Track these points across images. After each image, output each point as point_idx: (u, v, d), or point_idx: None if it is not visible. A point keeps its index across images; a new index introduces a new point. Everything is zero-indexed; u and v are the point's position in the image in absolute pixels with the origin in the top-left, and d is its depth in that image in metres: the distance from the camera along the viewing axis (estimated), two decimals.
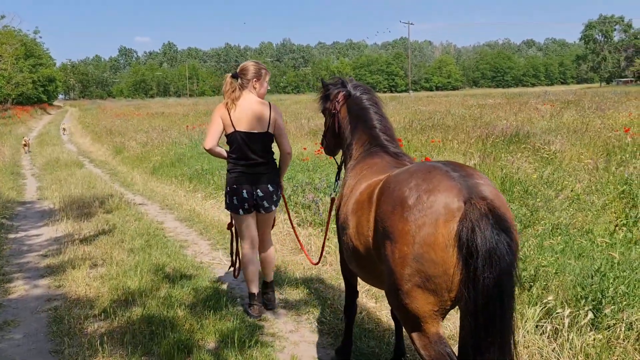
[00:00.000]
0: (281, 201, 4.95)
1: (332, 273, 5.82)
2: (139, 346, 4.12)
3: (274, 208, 4.73)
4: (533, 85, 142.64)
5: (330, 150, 4.16)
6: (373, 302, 5.01)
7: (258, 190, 4.59)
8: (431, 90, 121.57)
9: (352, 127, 3.69)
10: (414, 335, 2.52)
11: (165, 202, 10.46)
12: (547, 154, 11.32)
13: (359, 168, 3.41)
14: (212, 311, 4.74)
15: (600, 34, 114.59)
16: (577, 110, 22.40)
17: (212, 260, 6.56)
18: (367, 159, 3.43)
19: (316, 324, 4.61)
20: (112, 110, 48.05)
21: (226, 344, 4.12)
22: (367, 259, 2.90)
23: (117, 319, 4.66)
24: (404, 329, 3.61)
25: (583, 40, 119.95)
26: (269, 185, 4.61)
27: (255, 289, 4.79)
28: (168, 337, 4.20)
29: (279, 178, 4.76)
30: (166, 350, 3.99)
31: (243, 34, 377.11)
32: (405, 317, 2.53)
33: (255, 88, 4.65)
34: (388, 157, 3.38)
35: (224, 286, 5.59)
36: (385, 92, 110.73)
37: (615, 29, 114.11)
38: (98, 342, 4.17)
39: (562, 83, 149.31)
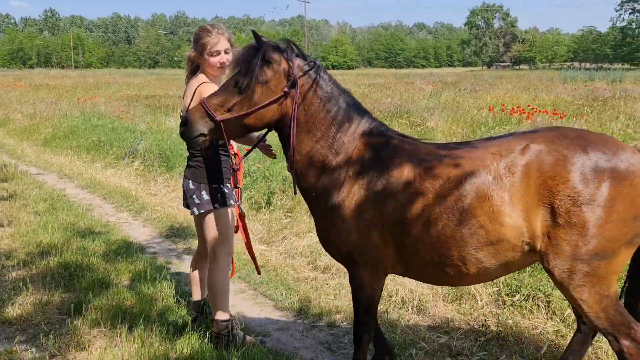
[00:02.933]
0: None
1: None
2: (61, 284, 4.73)
3: (196, 212, 3.63)
4: (423, 66, 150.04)
5: (226, 134, 2.85)
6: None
7: (183, 182, 3.77)
8: (328, 68, 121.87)
9: (336, 114, 2.85)
10: (599, 298, 2.52)
11: (63, 172, 10.62)
12: (423, 128, 12.86)
13: (399, 157, 2.77)
14: (124, 257, 5.41)
15: (482, 21, 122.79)
16: (454, 91, 24.70)
17: (118, 220, 7.13)
18: (400, 148, 2.82)
19: None
20: None
21: (139, 280, 4.85)
22: (507, 244, 2.60)
23: (34, 267, 5.18)
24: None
25: (467, 26, 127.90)
26: (189, 182, 3.65)
27: (194, 296, 4.04)
28: (86, 277, 4.84)
29: (208, 179, 3.61)
30: (86, 286, 4.65)
31: (133, 3, 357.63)
32: (599, 283, 2.50)
33: (201, 64, 3.62)
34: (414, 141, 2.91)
35: (132, 239, 6.24)
36: None
37: (495, 17, 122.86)
38: (21, 283, 4.72)
39: (449, 66, 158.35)
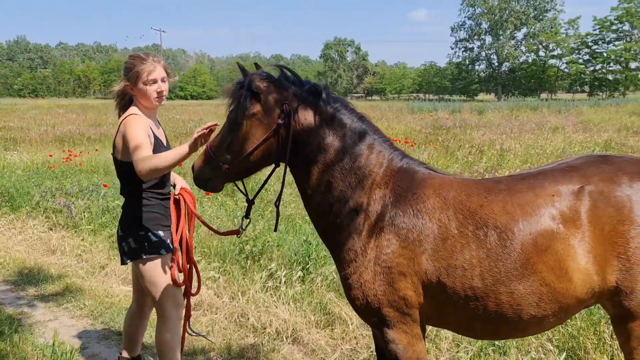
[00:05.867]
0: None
1: (87, 267, 6.20)
2: None
3: (127, 261, 3.27)
4: None
5: (234, 177, 2.70)
6: None
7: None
8: (186, 99, 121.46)
9: (346, 141, 2.54)
10: None
11: None
12: None
13: (426, 194, 2.45)
14: None
15: (336, 54, 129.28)
16: None
17: None
18: (424, 181, 2.51)
19: (75, 311, 5.03)
20: None
21: None
22: (573, 300, 2.32)
23: None
24: None
25: (323, 59, 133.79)
26: (119, 228, 3.32)
27: (125, 353, 3.72)
28: None
29: (138, 224, 3.22)
30: None
31: None
32: None
33: (135, 96, 3.28)
34: (439, 173, 2.61)
35: None
36: None
37: (348, 51, 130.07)
38: None
39: None
